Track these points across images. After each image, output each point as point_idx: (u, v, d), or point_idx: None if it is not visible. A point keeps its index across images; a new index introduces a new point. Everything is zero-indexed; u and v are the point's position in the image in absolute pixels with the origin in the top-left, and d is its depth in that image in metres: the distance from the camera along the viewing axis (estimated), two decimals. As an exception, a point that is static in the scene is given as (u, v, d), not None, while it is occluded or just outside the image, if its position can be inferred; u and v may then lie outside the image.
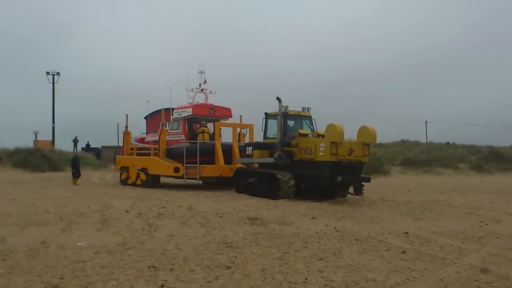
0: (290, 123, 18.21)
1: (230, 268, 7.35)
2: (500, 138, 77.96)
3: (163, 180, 25.20)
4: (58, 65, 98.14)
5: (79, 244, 8.90)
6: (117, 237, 9.70)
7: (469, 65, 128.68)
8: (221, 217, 12.33)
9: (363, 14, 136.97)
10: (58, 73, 50.60)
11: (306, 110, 18.43)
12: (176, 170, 21.72)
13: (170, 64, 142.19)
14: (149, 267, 7.25)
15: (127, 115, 27.97)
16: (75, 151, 45.68)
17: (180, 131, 24.46)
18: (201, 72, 25.80)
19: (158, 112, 61.07)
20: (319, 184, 16.10)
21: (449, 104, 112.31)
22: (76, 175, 25.38)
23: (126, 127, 27.16)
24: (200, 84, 25.90)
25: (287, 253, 8.52)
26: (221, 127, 23.94)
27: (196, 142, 21.92)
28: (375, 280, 6.76)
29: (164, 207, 13.91)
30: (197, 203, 14.98)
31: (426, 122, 70.77)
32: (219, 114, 24.74)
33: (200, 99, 26.07)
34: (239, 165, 20.92)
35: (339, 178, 15.14)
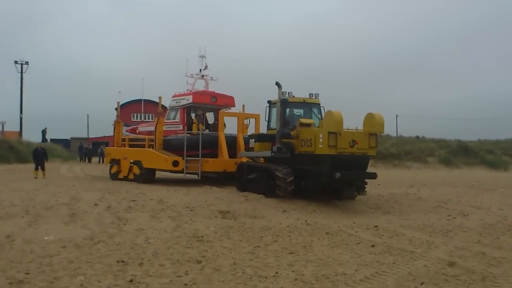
0: (297, 112, 16.16)
1: (201, 262, 7.30)
2: (468, 133, 79.77)
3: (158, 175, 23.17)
4: (27, 56, 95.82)
5: (46, 238, 8.71)
6: (86, 231, 9.53)
7: (436, 59, 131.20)
8: (192, 210, 12.22)
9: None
10: (26, 63, 49.46)
11: (313, 97, 15.96)
12: (175, 163, 19.47)
13: (141, 56, 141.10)
14: (118, 262, 7.14)
15: (118, 102, 26.88)
16: (41, 141, 44.83)
17: (178, 120, 22.32)
18: (202, 57, 23.66)
19: (130, 103, 61.00)
20: (318, 181, 13.93)
21: (419, 98, 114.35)
22: (39, 167, 23.64)
23: (117, 116, 25.24)
24: (200, 69, 23.84)
25: (258, 247, 8.51)
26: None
27: (198, 133, 19.95)
28: (345, 274, 6.81)
29: (134, 200, 13.70)
30: (168, 196, 14.80)
31: (396, 115, 71.80)
32: (221, 102, 22.62)
33: (200, 86, 24.00)
34: (245, 160, 18.57)
35: (337, 175, 12.75)
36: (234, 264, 7.24)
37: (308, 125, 14.61)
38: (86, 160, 43.42)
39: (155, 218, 11.12)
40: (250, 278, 6.45)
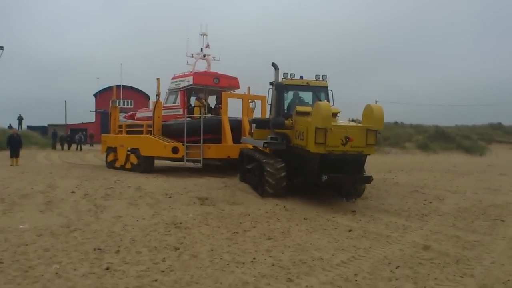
0: (302, 97, 13.89)
1: (178, 249, 7.30)
2: (445, 118, 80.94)
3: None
4: (3, 42, 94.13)
5: (21, 227, 8.61)
6: (62, 219, 9.43)
7: (413, 46, 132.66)
8: (170, 197, 12.16)
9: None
10: (1, 47, 48.38)
11: (320, 79, 13.61)
12: (175, 150, 17.87)
13: (119, 41, 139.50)
14: (94, 250, 7.11)
15: (115, 86, 25.26)
16: (17, 128, 44.21)
17: (178, 104, 20.53)
18: (203, 35, 21.86)
19: (108, 89, 60.26)
20: (308, 181, 12.33)
21: (397, 84, 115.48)
22: (14, 154, 23.16)
23: (113, 101, 23.39)
24: (201, 48, 21.96)
25: (236, 233, 8.53)
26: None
27: (200, 117, 18.27)
28: (321, 258, 6.87)
29: (111, 187, 13.55)
30: (146, 183, 14.67)
31: (375, 101, 72.14)
32: (224, 84, 20.72)
33: (201, 67, 22.06)
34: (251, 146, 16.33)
35: (324, 177, 11.07)
36: (212, 250, 7.25)
37: (306, 114, 12.24)
38: (66, 148, 42.74)
39: (133, 205, 11.04)
40: (228, 264, 6.47)
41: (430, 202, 12.35)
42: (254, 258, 6.80)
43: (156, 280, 5.72)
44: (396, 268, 6.45)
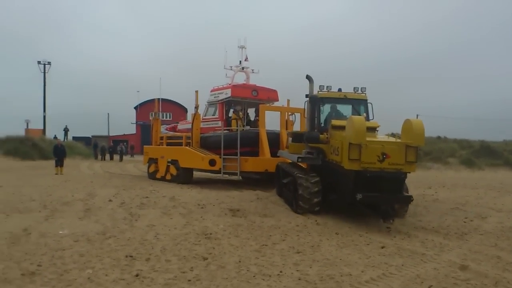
0: (342, 109, 13.38)
1: (206, 259, 7.35)
2: (493, 133, 78.45)
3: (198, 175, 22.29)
4: (50, 57, 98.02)
5: (60, 232, 8.92)
6: (98, 226, 9.69)
7: (460, 59, 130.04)
8: (202, 208, 12.30)
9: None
10: (49, 63, 50.71)
11: (358, 92, 13.10)
12: (212, 162, 17.77)
13: (158, 57, 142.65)
14: (126, 256, 7.26)
15: (157, 99, 24.86)
16: (63, 139, 45.72)
17: (217, 116, 20.47)
18: (242, 47, 21.88)
19: (148, 102, 61.44)
20: (342, 199, 11.72)
21: (442, 98, 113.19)
22: (59, 163, 24.23)
23: (155, 113, 23.77)
24: (240, 61, 21.94)
25: (265, 245, 8.51)
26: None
27: (237, 129, 18.07)
28: (350, 274, 6.77)
29: (147, 197, 13.86)
30: (180, 193, 14.91)
31: (417, 115, 70.77)
32: (263, 96, 20.59)
33: (240, 79, 22.06)
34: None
35: (359, 196, 10.43)
36: (240, 261, 7.28)
37: (341, 128, 11.57)
38: (108, 158, 43.84)
39: (166, 214, 11.23)
40: (254, 276, 6.48)
41: (471, 220, 11.95)
42: (281, 271, 6.78)
43: (182, 289, 5.79)
44: (429, 287, 6.30)
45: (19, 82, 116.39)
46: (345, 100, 13.18)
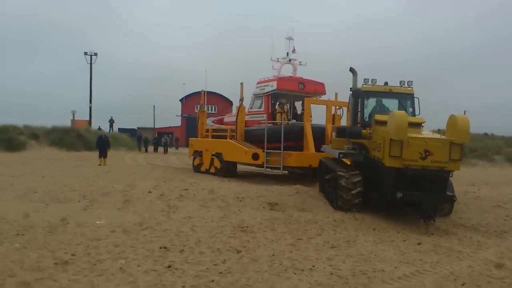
0: (388, 103, 12.74)
1: (240, 252, 7.40)
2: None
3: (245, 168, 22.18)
4: (98, 49, 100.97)
5: (97, 222, 9.12)
6: (136, 217, 9.87)
7: (499, 57, 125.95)
8: (241, 201, 12.35)
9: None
10: (95, 54, 51.57)
11: (405, 86, 12.38)
12: (255, 156, 17.47)
13: (204, 51, 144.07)
14: (160, 248, 7.38)
15: (203, 90, 24.04)
16: (108, 131, 46.78)
17: (263, 109, 20.18)
18: (289, 39, 21.18)
19: (194, 94, 62.15)
20: (382, 198, 11.13)
21: (488, 95, 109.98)
22: (102, 154, 24.60)
23: (201, 105, 23.55)
24: (287, 53, 21.32)
25: (300, 239, 8.50)
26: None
27: (281, 123, 17.68)
28: (383, 270, 6.70)
29: (186, 189, 13.99)
30: (219, 186, 14.99)
31: (464, 111, 69.01)
32: (310, 90, 20.06)
33: (287, 71, 21.53)
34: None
35: (399, 194, 10.06)
36: (273, 255, 7.29)
37: (384, 123, 11.02)
38: (152, 150, 44.60)
39: (204, 207, 11.33)
40: (286, 270, 6.48)
41: (512, 219, 11.62)
42: (313, 266, 6.76)
43: (212, 281, 5.85)
44: (462, 285, 6.15)
45: (67, 74, 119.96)
46: (390, 94, 12.54)
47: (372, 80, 12.25)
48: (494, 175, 27.53)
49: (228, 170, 19.34)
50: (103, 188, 13.47)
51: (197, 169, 21.92)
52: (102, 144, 24.76)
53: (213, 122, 24.55)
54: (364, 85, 12.34)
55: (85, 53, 51.28)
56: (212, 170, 20.42)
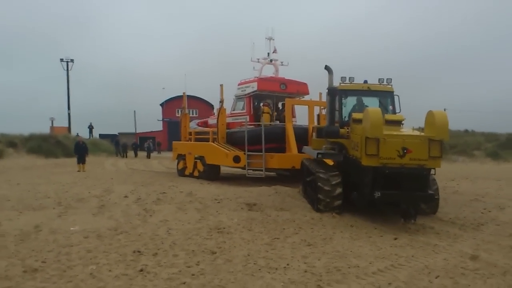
0: (368, 101, 12.34)
1: (215, 253, 7.32)
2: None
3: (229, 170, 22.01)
4: (74, 55, 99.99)
5: (71, 229, 8.96)
6: (111, 222, 9.73)
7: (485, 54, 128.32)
8: (219, 202, 12.25)
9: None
10: (72, 60, 51.22)
11: (384, 83, 12.15)
12: (236, 159, 17.21)
13: (182, 56, 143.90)
14: (134, 252, 7.26)
15: (184, 93, 23.79)
16: (88, 137, 46.36)
17: (245, 111, 19.87)
18: (270, 39, 21.02)
19: (174, 98, 61.87)
20: (361, 198, 10.70)
21: (468, 93, 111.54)
22: (81, 161, 24.25)
23: (183, 107, 23.04)
24: (268, 53, 21.11)
25: (277, 238, 8.45)
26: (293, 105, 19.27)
27: (262, 125, 17.28)
28: (358, 266, 6.67)
29: (164, 192, 13.85)
30: (198, 189, 14.87)
31: (444, 109, 69.60)
32: (292, 90, 19.84)
33: (268, 72, 21.27)
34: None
35: (377, 194, 9.77)
36: (248, 255, 7.22)
37: (360, 121, 10.73)
38: (133, 155, 44.18)
39: (181, 210, 11.21)
40: (259, 270, 6.41)
41: (489, 211, 11.68)
42: (288, 264, 6.70)
43: (184, 283, 5.76)
44: (436, 278, 6.14)
45: (45, 81, 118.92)
46: (369, 92, 12.24)
47: (349, 78, 12.03)
48: (474, 170, 27.83)
49: (210, 174, 19.06)
50: (79, 194, 13.27)
51: (181, 173, 21.60)
52: (80, 151, 24.49)
53: (197, 124, 24.24)
54: (341, 84, 12.12)
55: (61, 60, 50.89)
56: (196, 173, 20.12)
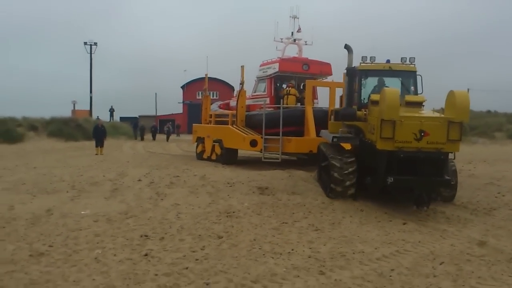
0: (390, 82, 11.55)
1: (221, 237, 7.37)
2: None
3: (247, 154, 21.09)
4: (98, 38, 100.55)
5: (82, 213, 9.05)
6: (122, 205, 9.82)
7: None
8: (231, 186, 12.26)
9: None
10: (95, 43, 51.62)
11: (406, 63, 11.39)
12: (253, 143, 16.67)
13: (204, 38, 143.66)
14: (141, 236, 7.34)
15: (206, 74, 23.47)
16: (109, 120, 46.79)
17: (266, 93, 19.24)
18: (294, 17, 20.10)
19: (195, 81, 61.81)
20: (375, 183, 10.24)
21: (493, 73, 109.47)
22: (99, 144, 24.23)
23: (205, 89, 22.62)
24: (292, 32, 20.15)
25: (285, 223, 8.47)
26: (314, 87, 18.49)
27: (281, 107, 16.67)
28: (363, 252, 6.67)
29: (178, 176, 13.89)
30: (212, 172, 14.86)
31: (468, 89, 68.36)
32: (315, 71, 18.98)
33: (292, 52, 20.28)
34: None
35: (390, 179, 9.35)
36: (254, 240, 7.25)
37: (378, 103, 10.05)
38: (151, 138, 44.37)
39: (193, 193, 11.26)
40: (264, 255, 6.44)
41: (503, 195, 11.48)
42: (292, 249, 6.71)
43: (187, 268, 5.80)
44: (440, 264, 6.10)
45: (68, 65, 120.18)
46: (390, 72, 11.51)
47: (370, 58, 11.37)
48: (493, 152, 27.42)
49: (228, 157, 18.58)
50: (93, 177, 13.40)
51: (200, 156, 21.19)
52: (98, 134, 24.59)
53: (219, 106, 23.26)
54: (361, 63, 11.51)
55: (85, 43, 51.38)
56: (214, 157, 19.65)
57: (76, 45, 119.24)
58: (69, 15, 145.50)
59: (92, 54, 51.47)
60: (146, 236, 7.36)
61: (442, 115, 9.41)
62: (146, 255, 6.33)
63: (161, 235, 7.46)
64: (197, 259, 6.18)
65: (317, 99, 19.51)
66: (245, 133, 17.31)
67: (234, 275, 5.59)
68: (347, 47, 11.39)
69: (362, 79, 11.57)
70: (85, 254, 6.36)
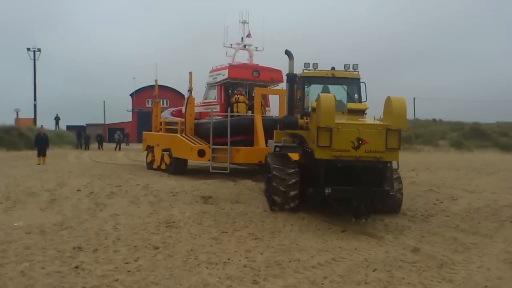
0: (335, 90, 11.16)
1: (158, 248, 7.23)
2: (486, 115, 78.71)
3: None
4: (42, 44, 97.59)
5: (15, 224, 8.72)
6: (59, 216, 9.52)
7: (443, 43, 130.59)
8: (174, 196, 12.10)
9: None
10: (39, 50, 49.95)
11: (350, 70, 11.08)
12: (201, 153, 15.91)
13: (154, 43, 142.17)
14: (74, 248, 7.12)
15: (156, 80, 22.59)
16: (54, 128, 45.50)
17: (216, 100, 18.77)
18: (244, 22, 19.72)
19: (144, 88, 60.96)
20: (315, 194, 9.66)
21: (436, 81, 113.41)
22: (41, 153, 23.37)
23: (155, 96, 22.04)
24: (242, 38, 19.80)
25: (225, 232, 8.41)
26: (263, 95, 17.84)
27: (228, 115, 16.13)
28: (299, 260, 6.68)
29: (120, 186, 13.60)
30: (155, 182, 14.65)
31: (414, 98, 70.38)
32: (265, 78, 18.45)
33: (244, 58, 20.03)
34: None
35: (328, 190, 8.76)
36: (191, 250, 7.15)
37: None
38: (96, 147, 43.24)
39: (134, 203, 11.04)
40: (198, 265, 6.35)
41: (442, 202, 11.88)
42: (228, 259, 6.65)
43: (117, 280, 5.64)
44: (373, 271, 6.18)
45: (11, 71, 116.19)
46: (334, 79, 11.21)
47: (313, 64, 11.04)
48: (437, 160, 28.37)
49: (177, 167, 17.91)
50: (31, 188, 12.94)
51: (150, 166, 20.48)
52: (41, 143, 23.74)
53: (171, 114, 22.29)
54: (304, 70, 11.22)
55: (28, 49, 49.58)
56: (163, 166, 18.94)
57: (19, 51, 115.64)
58: (11, 19, 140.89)
59: (36, 61, 49.91)
60: (79, 248, 7.13)
61: (381, 123, 9.13)
62: (76, 267, 6.12)
63: (95, 246, 7.24)
64: (129, 271, 6.02)
65: (269, 107, 19.09)
66: (193, 143, 16.62)
67: (166, 286, 5.48)
68: (287, 52, 10.94)
69: (306, 86, 11.30)
70: (11, 267, 6.08)
